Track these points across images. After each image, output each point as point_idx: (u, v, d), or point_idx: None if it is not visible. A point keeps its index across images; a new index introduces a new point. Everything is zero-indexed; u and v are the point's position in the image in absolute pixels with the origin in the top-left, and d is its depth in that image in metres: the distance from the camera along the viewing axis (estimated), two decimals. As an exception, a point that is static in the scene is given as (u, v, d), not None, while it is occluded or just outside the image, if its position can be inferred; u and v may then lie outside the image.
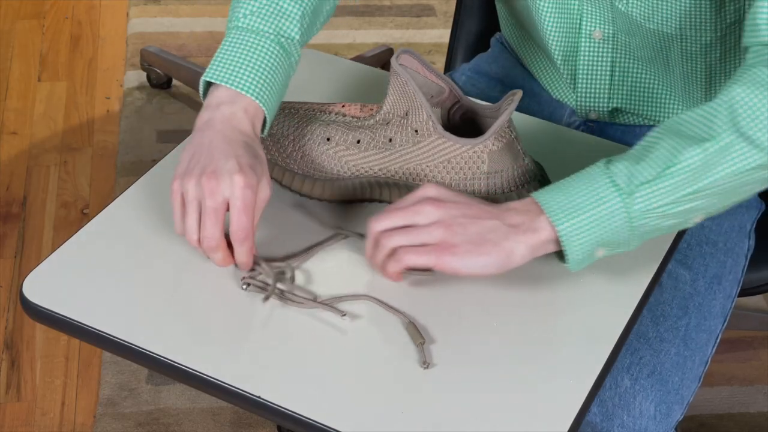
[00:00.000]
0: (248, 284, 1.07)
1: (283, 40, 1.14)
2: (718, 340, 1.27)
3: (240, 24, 1.14)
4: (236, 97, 1.10)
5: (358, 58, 2.54)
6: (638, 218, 1.02)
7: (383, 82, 1.34)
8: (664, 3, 1.21)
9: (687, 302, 1.25)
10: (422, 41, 2.75)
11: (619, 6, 1.24)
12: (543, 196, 1.03)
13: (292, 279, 1.09)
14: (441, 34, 2.77)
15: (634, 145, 1.06)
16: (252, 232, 1.05)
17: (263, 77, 1.11)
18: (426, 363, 1.00)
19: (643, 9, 1.22)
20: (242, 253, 1.06)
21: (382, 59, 2.58)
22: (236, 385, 0.98)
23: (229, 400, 0.99)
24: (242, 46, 1.12)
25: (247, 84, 1.10)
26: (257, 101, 1.10)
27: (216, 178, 1.04)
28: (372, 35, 2.76)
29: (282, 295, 1.06)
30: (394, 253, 1.03)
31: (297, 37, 1.15)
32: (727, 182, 1.02)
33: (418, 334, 1.02)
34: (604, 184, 1.02)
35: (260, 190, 1.06)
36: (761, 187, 1.05)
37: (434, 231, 1.02)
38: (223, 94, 1.10)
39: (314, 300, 1.06)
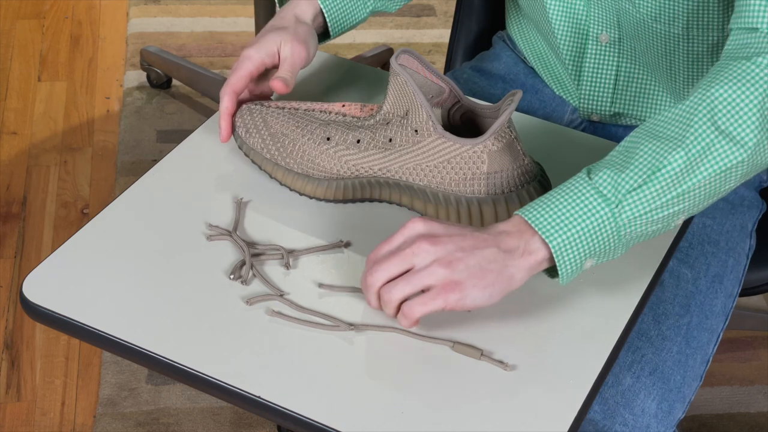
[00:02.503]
0: (238, 277, 1.08)
1: None
2: (719, 339, 1.27)
3: None
4: None
5: (358, 58, 2.54)
6: (626, 226, 1.02)
7: (383, 82, 1.34)
8: (673, 1, 1.21)
9: (689, 301, 1.25)
10: (422, 41, 2.75)
11: (627, 6, 1.24)
12: (531, 213, 1.02)
13: (287, 266, 1.09)
14: (441, 34, 2.77)
15: (611, 152, 1.05)
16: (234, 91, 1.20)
17: None
18: (505, 365, 1.01)
19: (650, 8, 1.22)
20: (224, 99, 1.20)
21: (382, 59, 2.58)
22: (236, 385, 0.98)
23: (229, 400, 0.99)
24: None
25: None
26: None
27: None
28: (372, 35, 2.76)
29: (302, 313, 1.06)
30: (400, 307, 1.01)
31: None
32: (709, 182, 1.02)
33: (472, 350, 1.02)
34: (590, 195, 1.01)
35: (284, 51, 1.21)
36: (738, 183, 1.05)
37: (435, 271, 0.99)
38: None
39: (342, 324, 1.05)
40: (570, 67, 1.35)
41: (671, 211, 1.03)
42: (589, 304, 1.07)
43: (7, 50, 2.66)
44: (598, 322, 1.05)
